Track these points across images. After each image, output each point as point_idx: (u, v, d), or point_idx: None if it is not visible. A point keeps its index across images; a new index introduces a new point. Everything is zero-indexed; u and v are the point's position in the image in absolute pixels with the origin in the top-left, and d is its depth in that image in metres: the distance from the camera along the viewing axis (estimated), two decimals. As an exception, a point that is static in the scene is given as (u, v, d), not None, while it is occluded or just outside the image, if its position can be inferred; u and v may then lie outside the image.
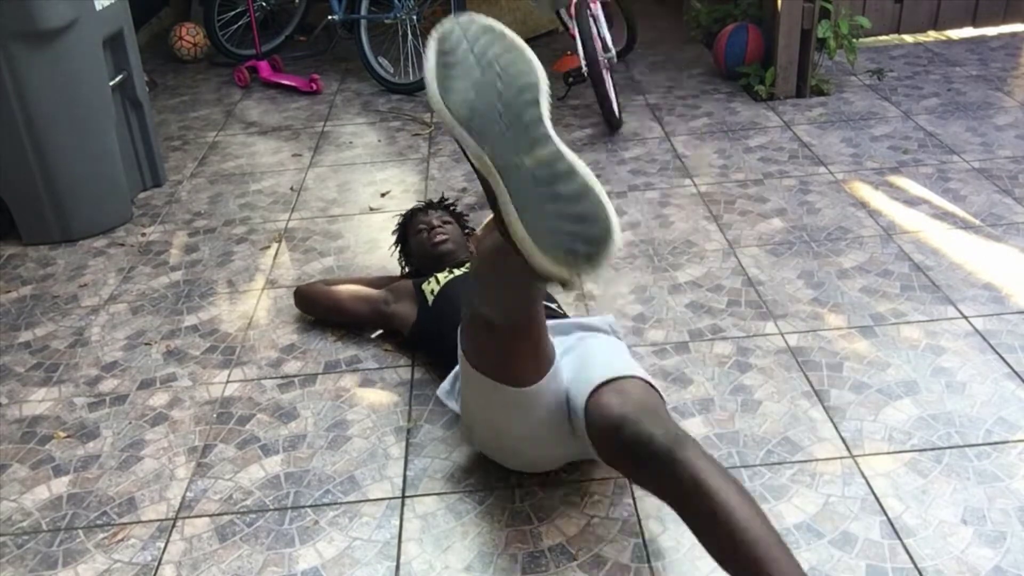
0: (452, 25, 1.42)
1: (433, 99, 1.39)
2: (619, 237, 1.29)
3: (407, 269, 2.55)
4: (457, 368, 1.92)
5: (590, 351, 1.80)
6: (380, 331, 2.42)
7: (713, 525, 1.43)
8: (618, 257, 2.73)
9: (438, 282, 2.23)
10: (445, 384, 1.95)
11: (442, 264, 2.37)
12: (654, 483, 1.52)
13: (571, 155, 1.31)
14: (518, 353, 1.64)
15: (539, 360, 1.67)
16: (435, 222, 2.45)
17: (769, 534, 1.41)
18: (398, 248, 2.57)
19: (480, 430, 1.85)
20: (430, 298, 2.22)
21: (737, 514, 1.41)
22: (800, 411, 2.04)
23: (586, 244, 1.27)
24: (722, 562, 1.45)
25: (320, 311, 2.49)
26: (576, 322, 1.96)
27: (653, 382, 1.72)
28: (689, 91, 4.10)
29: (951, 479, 1.82)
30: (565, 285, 1.32)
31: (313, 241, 2.98)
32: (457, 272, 2.24)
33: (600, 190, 1.30)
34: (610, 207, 1.29)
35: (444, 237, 2.41)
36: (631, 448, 1.52)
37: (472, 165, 1.41)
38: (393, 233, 2.60)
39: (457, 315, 2.09)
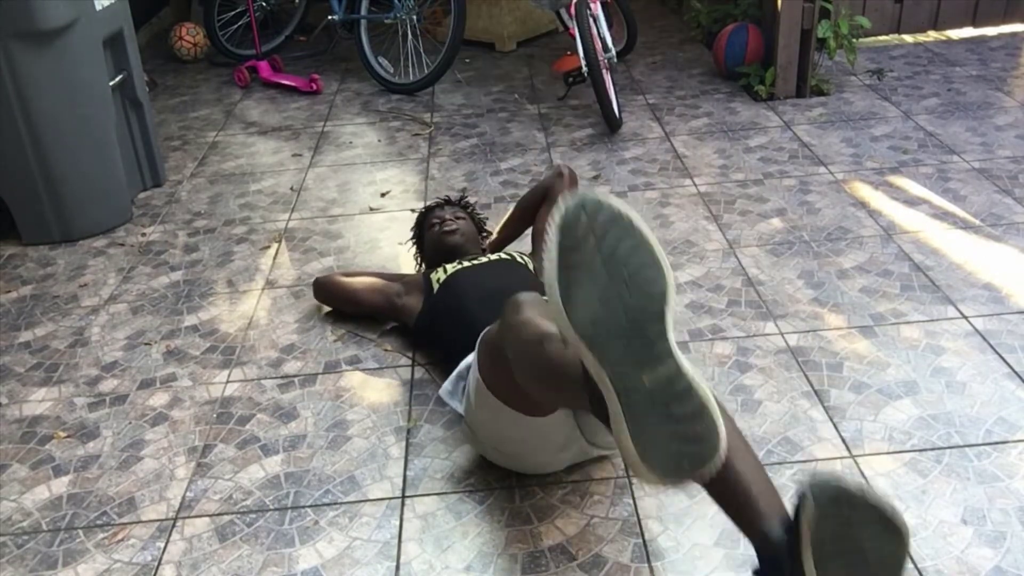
0: (577, 211, 1.28)
1: (557, 313, 1.29)
2: (724, 451, 1.27)
3: (422, 267, 2.58)
4: (460, 367, 1.92)
5: None
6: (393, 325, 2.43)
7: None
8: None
9: (445, 271, 2.25)
10: (447, 384, 1.94)
11: (452, 257, 2.40)
12: None
13: (690, 371, 1.26)
14: (539, 393, 1.60)
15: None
16: (448, 216, 2.49)
17: (733, 431, 1.42)
18: (414, 243, 2.60)
19: (483, 435, 1.85)
20: (435, 286, 2.24)
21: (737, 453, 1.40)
22: (800, 411, 2.04)
23: (691, 462, 1.26)
24: (715, 496, 1.44)
25: (336, 301, 2.51)
26: None
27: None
28: (689, 91, 4.10)
29: (951, 479, 1.82)
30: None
31: (313, 241, 2.98)
32: (467, 264, 2.25)
33: (715, 410, 1.26)
34: (721, 426, 1.26)
35: (454, 228, 2.44)
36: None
37: (583, 368, 1.34)
38: (411, 229, 2.62)
39: (457, 309, 2.10)
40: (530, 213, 2.51)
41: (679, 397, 1.26)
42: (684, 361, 1.28)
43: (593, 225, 1.28)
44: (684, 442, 1.26)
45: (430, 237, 2.48)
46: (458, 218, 2.50)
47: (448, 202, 2.60)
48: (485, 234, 2.61)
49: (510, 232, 2.57)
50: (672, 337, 1.28)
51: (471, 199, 3.14)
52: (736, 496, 1.39)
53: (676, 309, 2.45)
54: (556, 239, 1.29)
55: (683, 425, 1.26)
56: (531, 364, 1.48)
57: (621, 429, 1.28)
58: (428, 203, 2.63)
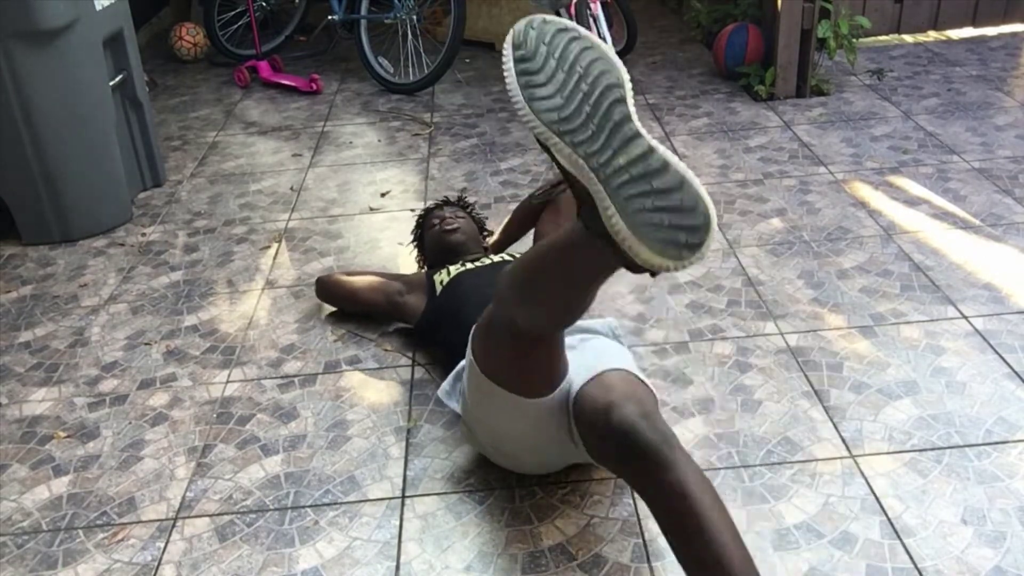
0: (526, 28, 1.42)
1: (519, 108, 1.40)
2: (715, 224, 1.31)
3: (424, 268, 2.58)
4: (458, 368, 1.92)
5: (588, 351, 1.81)
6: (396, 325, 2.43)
7: (689, 532, 1.44)
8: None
9: (449, 273, 2.25)
10: (445, 385, 1.95)
11: (454, 256, 2.40)
12: (638, 480, 1.51)
13: (663, 148, 1.33)
14: (534, 363, 1.64)
15: (553, 373, 1.67)
16: (448, 215, 2.50)
17: (737, 547, 1.43)
18: (415, 244, 2.60)
19: (481, 433, 1.85)
20: (438, 288, 2.24)
21: (714, 526, 1.42)
22: (800, 411, 2.04)
23: (687, 233, 1.29)
24: (687, 567, 1.46)
25: (338, 300, 2.51)
26: (578, 325, 1.96)
27: (645, 379, 1.72)
28: (689, 91, 4.10)
29: (951, 479, 1.82)
30: (658, 271, 1.35)
31: (313, 241, 2.98)
32: (469, 266, 2.25)
33: (695, 180, 1.31)
34: (706, 194, 1.30)
35: (455, 226, 2.45)
36: (617, 437, 1.51)
37: (562, 169, 1.41)
38: (412, 232, 2.62)
39: (458, 313, 2.10)
40: (532, 216, 2.51)
41: (657, 172, 1.31)
42: (654, 140, 1.34)
43: (543, 36, 1.40)
44: (673, 214, 1.30)
45: (431, 236, 2.48)
46: (458, 217, 2.50)
47: (448, 202, 2.61)
48: (486, 233, 2.61)
49: (512, 233, 2.57)
50: (638, 121, 1.35)
51: (471, 199, 3.14)
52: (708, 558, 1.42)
53: (676, 309, 2.45)
54: (511, 54, 1.41)
55: (668, 197, 1.30)
56: (559, 267, 1.53)
57: (609, 210, 1.33)
58: (428, 204, 2.63)
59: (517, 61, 1.41)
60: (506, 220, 2.59)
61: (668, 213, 1.30)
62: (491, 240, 2.61)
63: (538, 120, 1.39)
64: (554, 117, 1.38)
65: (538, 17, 1.43)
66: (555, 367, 1.66)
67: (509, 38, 1.43)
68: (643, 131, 1.35)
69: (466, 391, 1.81)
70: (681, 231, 1.30)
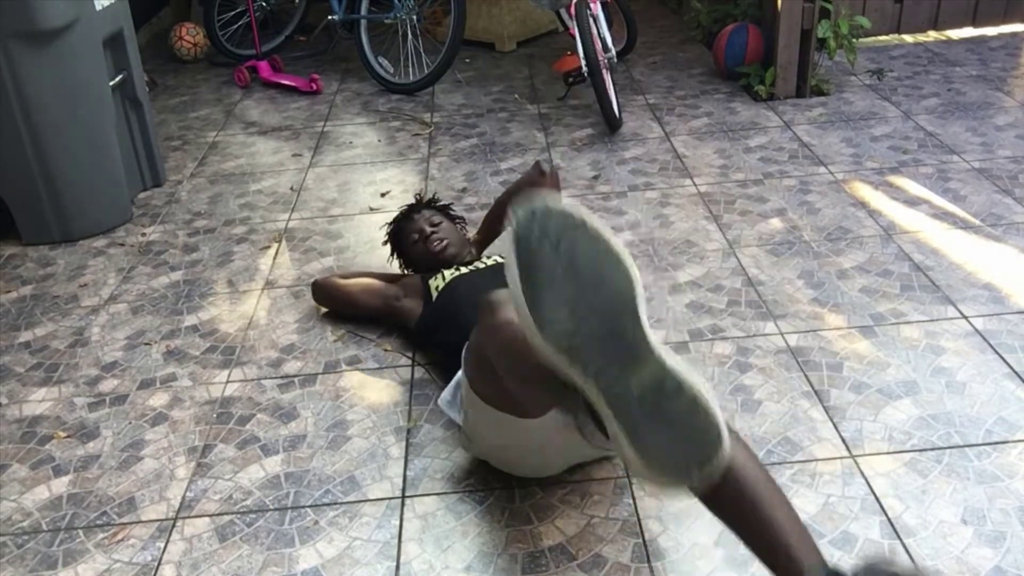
0: (529, 222, 1.25)
1: (530, 334, 1.27)
2: (728, 442, 1.23)
3: (408, 271, 2.55)
4: (458, 376, 1.91)
5: None
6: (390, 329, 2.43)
7: (745, 513, 1.38)
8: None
9: (444, 279, 2.24)
10: (446, 394, 1.94)
11: (449, 265, 2.37)
12: None
13: (676, 366, 1.23)
14: (526, 392, 1.58)
15: (547, 399, 1.61)
16: (427, 228, 2.41)
17: (762, 472, 1.39)
18: (396, 259, 2.56)
19: (482, 444, 1.85)
20: (434, 294, 2.24)
21: (767, 502, 1.37)
22: (800, 411, 2.04)
23: (697, 459, 1.23)
24: (711, 501, 1.40)
25: (334, 303, 2.50)
26: None
27: None
28: (689, 91, 4.10)
29: (951, 479, 1.82)
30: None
31: (313, 241, 2.98)
32: (464, 270, 2.25)
33: (709, 402, 1.23)
34: (719, 417, 1.23)
35: (443, 243, 2.38)
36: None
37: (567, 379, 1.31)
38: (384, 243, 2.58)
39: (456, 317, 2.10)
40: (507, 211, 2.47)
41: (670, 395, 1.23)
42: (668, 356, 1.24)
43: (546, 233, 1.25)
44: (685, 441, 1.23)
45: (418, 253, 2.42)
46: (435, 225, 2.42)
47: (413, 209, 2.50)
48: (459, 223, 2.54)
49: (493, 230, 2.53)
50: (650, 333, 1.25)
51: (468, 200, 3.15)
52: (767, 538, 1.35)
53: (676, 309, 2.45)
54: (514, 255, 1.26)
55: (680, 423, 1.23)
56: (515, 365, 1.46)
57: (619, 437, 1.26)
58: (395, 217, 2.54)
59: (522, 267, 1.25)
60: (485, 218, 2.56)
61: (679, 441, 1.23)
62: (472, 239, 2.58)
63: (548, 347, 1.25)
64: (564, 342, 1.25)
65: (540, 203, 1.26)
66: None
67: (510, 231, 1.26)
68: (656, 346, 1.24)
69: (465, 406, 1.80)
70: (691, 457, 1.23)
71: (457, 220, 2.55)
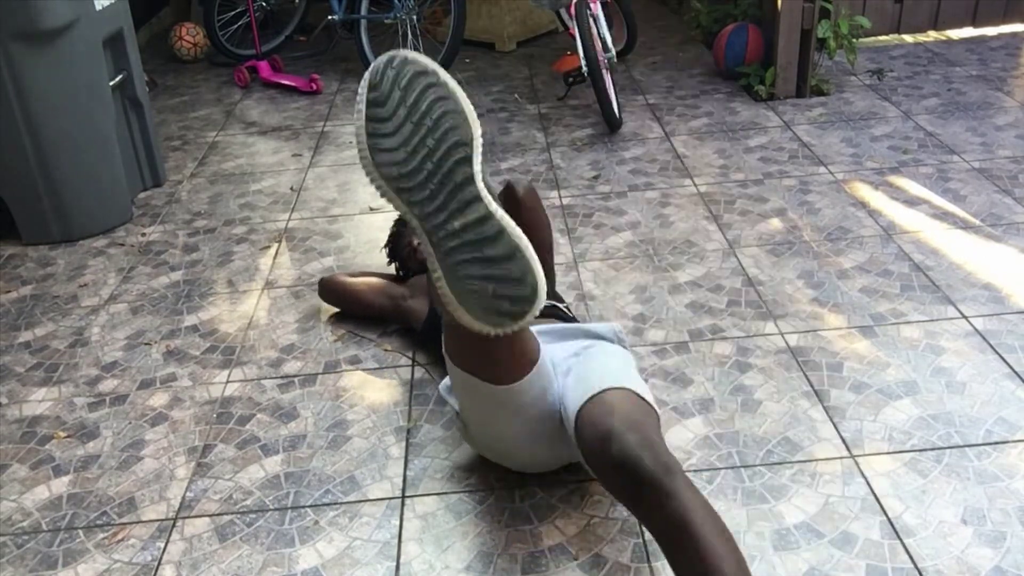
0: (385, 67, 1.37)
1: (361, 156, 1.37)
2: (543, 295, 1.29)
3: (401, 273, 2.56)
4: None
5: (590, 361, 1.77)
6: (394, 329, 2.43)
7: (692, 561, 1.40)
8: (618, 257, 2.73)
9: None
10: (446, 380, 1.94)
11: None
12: (639, 509, 1.48)
13: (500, 214, 1.30)
14: (495, 354, 1.62)
15: (517, 360, 1.64)
16: (415, 241, 2.44)
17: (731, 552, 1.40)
18: (397, 269, 2.57)
19: (474, 428, 1.85)
20: None
21: (716, 554, 1.38)
22: (800, 411, 2.04)
23: (511, 303, 1.29)
24: None
25: (342, 302, 2.51)
26: (583, 328, 1.93)
27: (648, 395, 1.68)
28: (689, 91, 4.10)
29: (951, 479, 1.82)
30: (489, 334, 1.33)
31: (313, 241, 2.98)
32: None
33: (528, 249, 1.29)
34: (537, 266, 1.28)
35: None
36: (619, 468, 1.47)
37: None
38: (382, 249, 2.59)
39: None
40: None
41: (491, 240, 1.29)
42: (493, 204, 1.30)
43: (399, 79, 1.35)
44: (500, 283, 1.28)
45: (419, 264, 2.44)
46: None
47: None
48: None
49: None
50: (481, 182, 1.32)
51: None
52: None
53: (676, 309, 2.45)
54: (364, 93, 1.36)
55: (497, 266, 1.29)
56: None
57: (436, 274, 1.32)
58: (392, 230, 2.57)
59: (369, 104, 1.37)
60: None
61: (495, 282, 1.29)
62: None
63: (377, 173, 1.35)
64: (394, 172, 1.34)
65: (401, 54, 1.37)
66: (518, 355, 1.63)
67: (367, 75, 1.38)
68: (484, 194, 1.31)
69: (452, 386, 1.81)
70: (505, 300, 1.29)
71: None
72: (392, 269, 2.71)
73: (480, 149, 1.35)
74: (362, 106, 1.37)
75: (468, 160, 1.33)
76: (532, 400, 1.69)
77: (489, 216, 1.30)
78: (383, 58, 1.38)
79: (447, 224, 1.32)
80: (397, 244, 2.53)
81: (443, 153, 1.33)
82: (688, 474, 1.67)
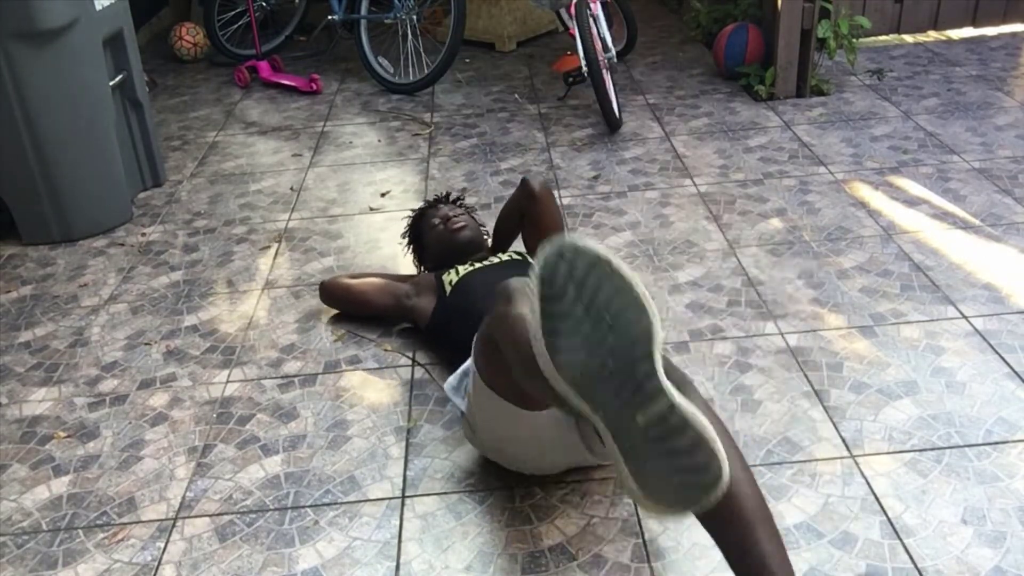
0: (556, 260, 1.29)
1: (543, 364, 1.30)
2: (727, 477, 1.26)
3: (423, 270, 2.56)
4: (465, 365, 1.91)
5: None
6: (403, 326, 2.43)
7: (736, 533, 1.41)
8: (618, 257, 2.73)
9: (458, 273, 2.24)
10: (452, 380, 1.94)
11: (463, 254, 2.38)
12: None
13: (683, 405, 1.25)
14: (530, 389, 1.58)
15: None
16: (450, 214, 2.48)
17: (757, 499, 1.41)
18: (411, 248, 2.58)
19: (484, 435, 1.85)
20: (448, 289, 2.23)
21: (735, 475, 1.38)
22: (800, 411, 2.04)
23: (697, 490, 1.25)
24: (705, 517, 1.43)
25: (345, 304, 2.50)
26: None
27: None
28: (689, 91, 4.10)
29: (951, 479, 1.82)
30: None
31: (313, 241, 2.98)
32: (478, 265, 2.25)
33: (713, 438, 1.25)
34: (721, 452, 1.25)
35: (463, 224, 2.43)
36: None
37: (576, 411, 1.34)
38: (403, 235, 2.60)
39: (470, 311, 2.10)
40: (511, 227, 2.45)
41: (675, 431, 1.26)
42: (676, 395, 1.27)
43: (573, 273, 1.29)
44: (686, 473, 1.26)
45: (435, 237, 2.45)
46: (460, 216, 2.48)
47: (442, 200, 2.58)
48: (481, 227, 2.59)
49: (503, 240, 2.54)
50: (662, 374, 1.27)
51: (468, 200, 3.15)
52: (752, 565, 1.38)
53: (676, 309, 2.45)
54: (537, 291, 1.30)
55: (682, 458, 1.26)
56: (523, 359, 1.47)
57: (620, 467, 1.29)
58: (420, 206, 2.61)
59: (543, 301, 1.29)
60: (494, 228, 2.55)
61: (681, 473, 1.26)
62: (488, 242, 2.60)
63: (559, 378, 1.29)
64: (576, 375, 1.28)
65: (570, 243, 1.30)
66: None
67: (538, 270, 1.30)
68: (667, 386, 1.26)
69: (471, 393, 1.81)
70: (691, 488, 1.26)
71: (482, 226, 2.59)
72: (398, 269, 2.71)
73: (661, 340, 1.30)
74: (536, 299, 1.30)
75: (650, 355, 1.28)
76: (556, 426, 1.70)
77: (672, 408, 1.25)
78: (552, 250, 1.30)
79: (631, 420, 1.27)
80: (420, 225, 2.53)
81: (625, 347, 1.28)
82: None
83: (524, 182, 2.36)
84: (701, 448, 1.25)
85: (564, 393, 1.30)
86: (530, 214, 2.36)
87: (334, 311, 2.54)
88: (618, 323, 1.28)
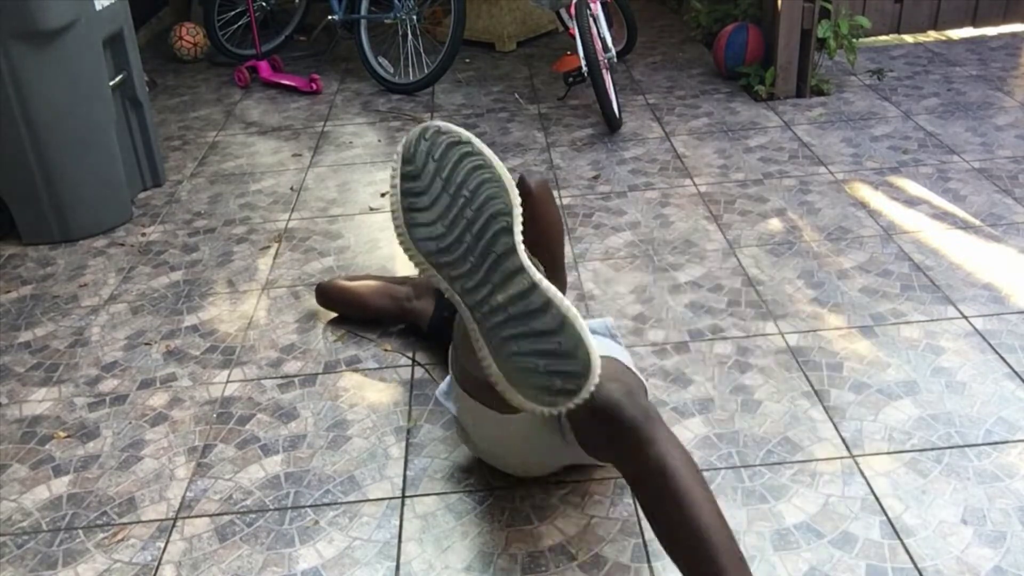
0: (418, 139, 1.35)
1: (399, 233, 1.34)
2: (598, 368, 1.23)
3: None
4: None
5: None
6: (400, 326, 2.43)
7: (669, 511, 1.36)
8: (618, 257, 2.73)
9: None
10: (443, 385, 1.94)
11: None
12: (621, 457, 1.43)
13: (546, 285, 1.25)
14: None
15: None
16: None
17: (722, 530, 1.36)
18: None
19: (475, 439, 1.85)
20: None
21: (696, 504, 1.34)
22: (800, 411, 2.04)
23: (563, 379, 1.23)
24: (669, 547, 1.38)
25: (342, 307, 2.50)
26: None
27: (633, 368, 1.69)
28: (689, 91, 4.10)
29: (951, 479, 1.82)
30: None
31: (313, 241, 2.98)
32: None
33: (578, 319, 1.24)
34: (588, 338, 1.23)
35: None
36: (599, 412, 1.43)
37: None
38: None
39: None
40: None
41: (537, 311, 1.24)
42: (537, 274, 1.26)
43: (433, 150, 1.33)
44: (550, 357, 1.23)
45: None
46: None
47: None
48: None
49: None
50: (522, 252, 1.28)
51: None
52: (695, 548, 1.33)
53: (676, 309, 2.45)
54: (399, 167, 1.34)
55: (546, 340, 1.23)
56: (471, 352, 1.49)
57: (483, 351, 1.27)
58: None
59: (404, 178, 1.34)
60: None
61: (544, 358, 1.23)
62: None
63: (415, 249, 1.32)
64: (432, 247, 1.30)
65: (433, 125, 1.35)
66: None
67: (400, 149, 1.36)
68: (527, 264, 1.26)
69: (455, 400, 1.81)
70: (557, 376, 1.23)
71: None
72: (396, 270, 2.71)
73: (520, 218, 1.31)
74: (397, 180, 1.34)
75: (509, 230, 1.28)
76: (535, 422, 1.70)
77: (534, 287, 1.24)
78: (415, 131, 1.36)
79: (490, 298, 1.27)
80: None
81: (482, 224, 1.29)
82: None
83: (521, 180, 2.34)
84: (565, 331, 1.23)
85: (422, 266, 1.33)
86: (527, 211, 2.33)
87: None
88: (476, 197, 1.30)
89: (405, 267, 2.75)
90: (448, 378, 1.94)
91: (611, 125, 3.63)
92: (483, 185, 1.31)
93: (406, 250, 1.34)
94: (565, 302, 1.26)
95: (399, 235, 1.34)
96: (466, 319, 1.31)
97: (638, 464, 1.39)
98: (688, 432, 2.00)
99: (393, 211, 1.35)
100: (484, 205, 1.30)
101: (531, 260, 1.32)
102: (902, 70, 4.16)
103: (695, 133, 3.62)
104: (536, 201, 2.30)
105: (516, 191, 1.33)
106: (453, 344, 1.72)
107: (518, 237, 1.29)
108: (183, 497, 1.92)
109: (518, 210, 1.31)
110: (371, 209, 3.17)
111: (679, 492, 1.35)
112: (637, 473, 1.40)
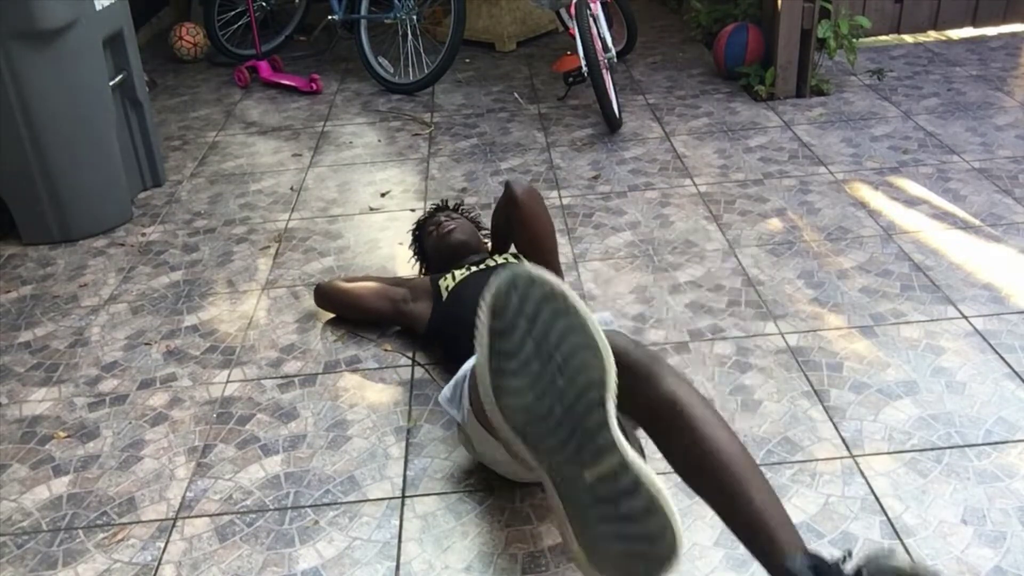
0: (508, 291, 1.20)
1: (487, 401, 1.21)
2: (681, 553, 1.15)
3: (424, 273, 2.59)
4: (458, 375, 1.90)
5: None
6: (396, 329, 2.43)
7: (685, 439, 1.31)
8: (618, 257, 2.73)
9: (454, 278, 2.24)
10: (446, 391, 1.93)
11: (458, 259, 2.39)
12: (630, 399, 1.36)
13: (637, 464, 1.15)
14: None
15: None
16: (443, 219, 2.51)
17: (742, 453, 1.31)
18: (415, 257, 2.63)
19: (480, 451, 1.84)
20: (444, 294, 2.23)
21: (712, 431, 1.29)
22: (800, 411, 2.04)
23: (647, 563, 1.14)
24: (691, 478, 1.33)
25: (339, 308, 2.50)
26: None
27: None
28: (689, 91, 4.10)
29: (951, 479, 1.82)
30: None
31: (313, 241, 2.98)
32: (474, 269, 2.25)
33: (668, 505, 1.15)
34: (676, 521, 1.14)
35: (453, 226, 2.44)
36: None
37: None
38: (410, 247, 2.65)
39: (462, 319, 2.09)
40: (502, 230, 2.41)
41: (626, 493, 1.15)
42: (629, 452, 1.16)
43: (524, 306, 1.19)
44: (635, 542, 1.15)
45: (432, 245, 2.49)
46: (453, 219, 2.51)
47: (440, 208, 2.63)
48: (484, 231, 2.60)
49: (499, 244, 2.53)
50: (615, 426, 1.17)
51: (468, 200, 3.15)
52: (751, 522, 1.28)
53: (676, 309, 2.45)
54: (487, 322, 1.20)
55: (633, 524, 1.14)
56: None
57: (565, 528, 1.18)
58: (421, 216, 2.66)
59: (493, 334, 1.20)
60: (491, 230, 2.55)
61: (630, 542, 1.14)
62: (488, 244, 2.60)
63: (502, 419, 1.19)
64: (521, 420, 1.18)
65: (524, 274, 1.20)
66: None
67: (488, 299, 1.21)
68: (619, 439, 1.16)
69: (466, 418, 1.78)
70: (641, 561, 1.14)
71: (483, 230, 2.62)
72: (397, 272, 2.71)
73: (614, 388, 1.19)
74: (484, 332, 1.20)
75: (602, 402, 1.17)
76: None
77: (624, 467, 1.15)
78: (504, 278, 1.20)
79: (578, 476, 1.16)
80: (420, 241, 2.58)
81: (575, 393, 1.17)
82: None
83: (507, 186, 2.26)
84: (654, 515, 1.14)
85: (508, 440, 1.20)
86: (515, 219, 2.27)
87: (334, 311, 2.55)
88: (569, 365, 1.18)
89: (405, 268, 2.75)
90: (452, 383, 1.93)
91: (611, 125, 3.63)
92: (577, 351, 1.18)
93: (492, 419, 1.20)
94: (656, 482, 1.15)
95: (486, 403, 1.20)
96: (550, 495, 1.20)
97: (649, 400, 1.33)
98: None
99: (479, 374, 1.21)
100: (578, 374, 1.17)
101: (622, 427, 1.19)
102: (902, 70, 4.16)
103: (695, 133, 3.62)
104: (522, 207, 2.24)
105: (611, 357, 1.19)
106: (472, 373, 1.65)
107: (611, 410, 1.17)
108: (183, 497, 1.92)
109: (612, 380, 1.19)
110: (371, 209, 3.17)
111: (692, 420, 1.29)
112: (649, 410, 1.34)
